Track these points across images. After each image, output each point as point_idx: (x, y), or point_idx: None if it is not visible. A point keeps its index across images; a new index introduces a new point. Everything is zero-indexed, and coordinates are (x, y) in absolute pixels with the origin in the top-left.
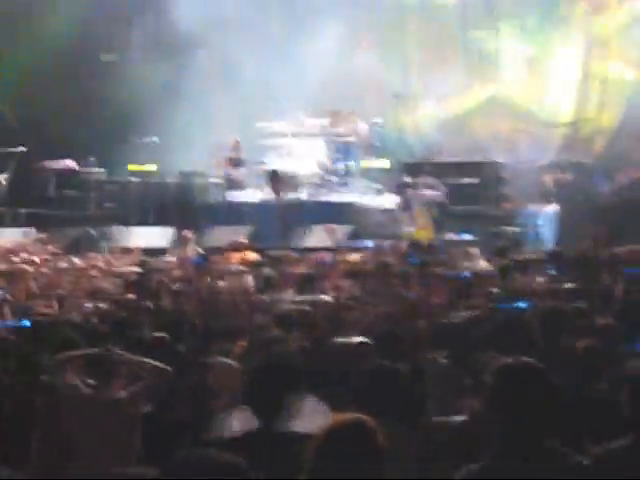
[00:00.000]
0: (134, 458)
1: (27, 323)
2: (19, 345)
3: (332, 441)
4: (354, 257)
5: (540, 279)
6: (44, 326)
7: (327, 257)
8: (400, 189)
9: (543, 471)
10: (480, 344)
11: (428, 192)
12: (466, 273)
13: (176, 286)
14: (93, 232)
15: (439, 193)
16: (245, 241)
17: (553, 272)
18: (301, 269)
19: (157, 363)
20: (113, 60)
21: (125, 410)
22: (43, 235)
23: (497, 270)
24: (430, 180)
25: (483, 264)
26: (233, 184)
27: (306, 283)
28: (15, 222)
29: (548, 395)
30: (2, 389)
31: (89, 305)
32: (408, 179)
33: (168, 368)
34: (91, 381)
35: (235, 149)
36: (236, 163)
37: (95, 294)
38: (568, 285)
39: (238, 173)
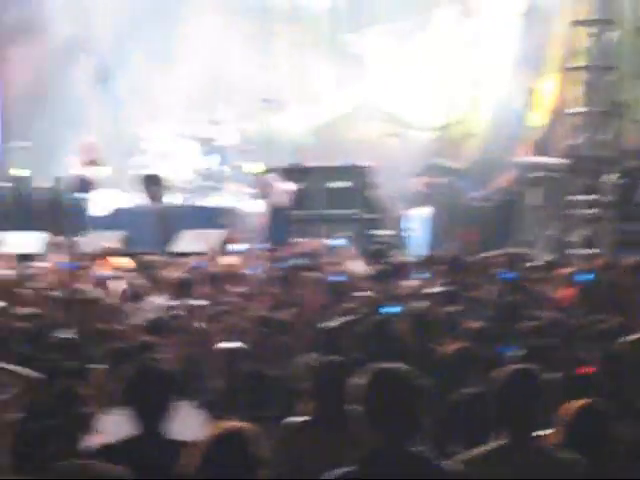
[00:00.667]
0: None
1: None
2: None
3: (213, 451)
4: (230, 260)
5: (412, 282)
6: None
7: (202, 262)
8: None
9: (409, 476)
10: (353, 348)
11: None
12: (341, 277)
13: (48, 292)
14: None
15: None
16: (117, 246)
17: (425, 275)
18: (175, 274)
19: (27, 370)
20: None
21: None
22: None
23: (372, 273)
24: (281, 183)
25: (358, 267)
26: (85, 185)
27: (181, 288)
28: None
29: (415, 399)
30: None
31: None
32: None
33: (38, 375)
34: None
35: (89, 150)
36: (89, 164)
37: None
38: (440, 289)
39: (92, 174)
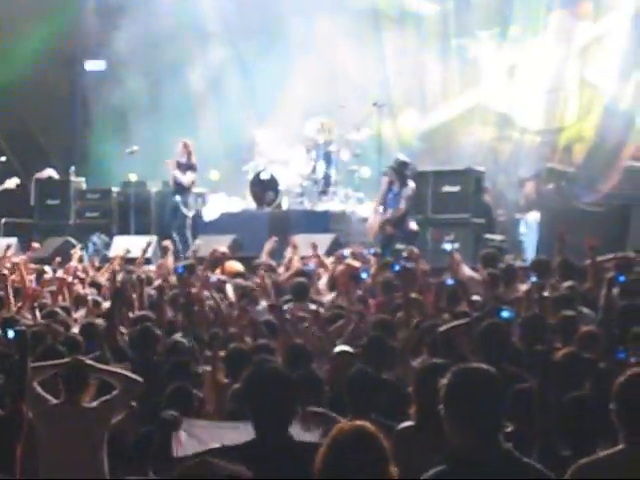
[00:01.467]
0: (102, 468)
1: (11, 333)
2: (6, 355)
3: (340, 450)
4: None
5: (523, 287)
6: (28, 336)
7: (311, 265)
8: None
9: (498, 475)
10: (466, 351)
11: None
12: (450, 280)
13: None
14: (74, 241)
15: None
16: (226, 250)
17: (535, 280)
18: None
19: (129, 373)
20: (98, 69)
21: (95, 420)
22: (36, 245)
23: (486, 278)
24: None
25: (467, 271)
26: (179, 189)
27: (293, 292)
28: None
29: (494, 398)
30: None
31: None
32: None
33: (139, 379)
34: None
35: (183, 153)
36: (185, 167)
37: (76, 304)
38: (551, 293)
39: (185, 177)
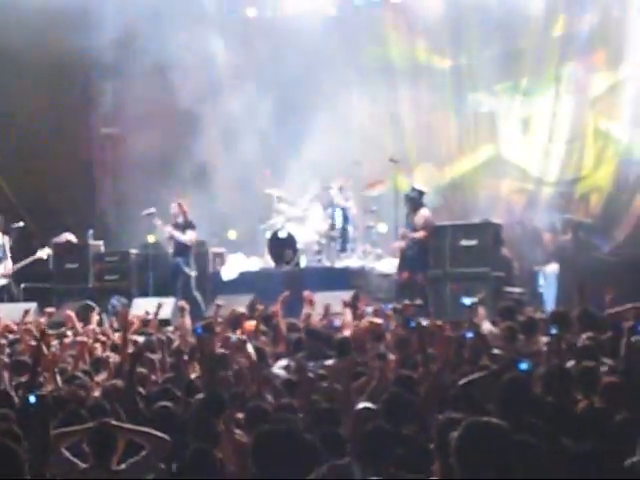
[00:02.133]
0: None
1: (32, 398)
2: (28, 421)
3: None
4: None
5: (543, 339)
6: (49, 401)
7: (337, 322)
8: None
9: None
10: (486, 406)
11: None
12: (469, 334)
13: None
14: (94, 305)
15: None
16: (244, 310)
17: (555, 332)
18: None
19: (156, 433)
20: (112, 132)
21: None
22: (50, 310)
23: (502, 331)
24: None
25: (487, 326)
26: (182, 249)
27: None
28: (15, 297)
29: (509, 453)
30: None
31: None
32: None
33: (167, 437)
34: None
35: (179, 213)
36: (183, 227)
37: (96, 367)
38: (571, 344)
39: (186, 236)
